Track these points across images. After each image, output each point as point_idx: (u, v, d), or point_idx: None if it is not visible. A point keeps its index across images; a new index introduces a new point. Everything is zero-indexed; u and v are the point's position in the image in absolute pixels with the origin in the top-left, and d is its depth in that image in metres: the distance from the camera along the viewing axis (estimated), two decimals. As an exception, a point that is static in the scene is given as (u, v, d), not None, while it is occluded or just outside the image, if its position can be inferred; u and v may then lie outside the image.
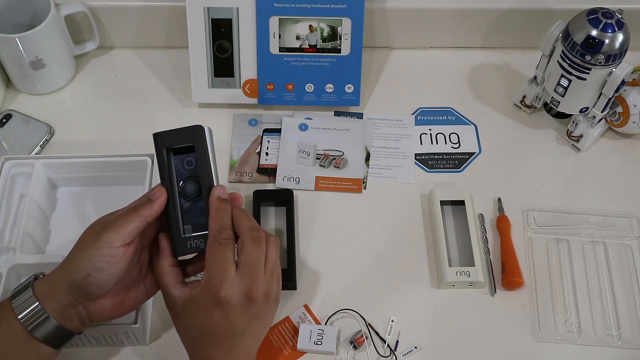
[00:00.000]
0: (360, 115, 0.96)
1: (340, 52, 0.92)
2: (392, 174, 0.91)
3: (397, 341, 0.76)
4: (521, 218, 0.86)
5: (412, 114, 0.97)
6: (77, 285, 0.60)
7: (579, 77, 0.85)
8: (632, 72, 0.85)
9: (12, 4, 0.93)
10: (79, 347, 0.74)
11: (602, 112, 0.88)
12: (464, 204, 0.85)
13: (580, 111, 0.89)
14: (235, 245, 0.63)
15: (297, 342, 0.75)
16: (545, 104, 0.96)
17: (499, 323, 0.78)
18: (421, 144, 0.94)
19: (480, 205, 0.87)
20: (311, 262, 0.83)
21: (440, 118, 0.97)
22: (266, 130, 0.94)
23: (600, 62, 0.82)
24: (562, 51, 0.85)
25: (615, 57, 0.82)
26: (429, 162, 0.92)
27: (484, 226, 0.85)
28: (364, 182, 0.90)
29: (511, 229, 0.85)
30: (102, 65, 1.01)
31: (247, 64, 0.93)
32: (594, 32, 0.81)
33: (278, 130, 0.94)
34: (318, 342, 0.75)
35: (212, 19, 0.90)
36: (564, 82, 0.87)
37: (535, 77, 0.93)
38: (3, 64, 0.94)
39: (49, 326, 0.61)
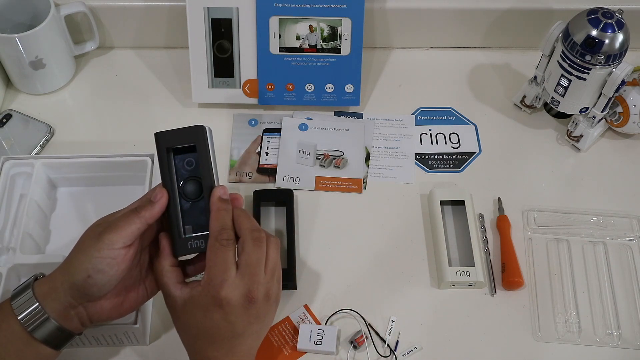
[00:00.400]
0: (360, 115, 0.97)
1: (340, 52, 0.92)
2: (392, 174, 0.91)
3: (397, 341, 0.76)
4: (521, 218, 0.86)
5: (412, 114, 0.97)
6: (77, 286, 0.60)
7: (579, 77, 0.85)
8: (632, 72, 0.85)
9: (12, 4, 0.93)
10: (79, 347, 0.74)
11: (602, 112, 0.88)
12: (464, 204, 0.85)
13: (580, 111, 0.89)
14: (236, 246, 0.63)
15: (297, 342, 0.75)
16: (545, 104, 0.96)
17: (499, 323, 0.78)
18: (421, 144, 0.94)
19: (480, 205, 0.87)
20: (311, 262, 0.83)
21: (440, 118, 0.97)
22: (266, 130, 0.94)
23: (600, 62, 0.82)
24: (562, 51, 0.85)
25: (615, 57, 0.82)
26: (429, 162, 0.92)
27: (484, 226, 0.85)
28: (364, 182, 0.90)
29: (511, 229, 0.85)
30: (102, 65, 1.01)
31: (247, 64, 0.93)
32: (594, 32, 0.81)
33: (278, 130, 0.94)
34: (318, 342, 0.75)
35: (212, 19, 0.90)
36: (564, 82, 0.87)
37: (535, 77, 0.93)
38: (3, 64, 0.94)
39: (49, 327, 0.61)
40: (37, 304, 0.61)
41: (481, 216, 0.86)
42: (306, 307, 0.79)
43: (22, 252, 0.75)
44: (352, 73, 0.93)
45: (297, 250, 0.83)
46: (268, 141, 0.93)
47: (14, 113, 0.94)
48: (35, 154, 0.90)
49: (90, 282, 0.60)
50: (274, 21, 0.90)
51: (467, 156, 0.93)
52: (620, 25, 0.81)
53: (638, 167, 0.92)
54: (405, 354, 0.76)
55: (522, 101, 0.96)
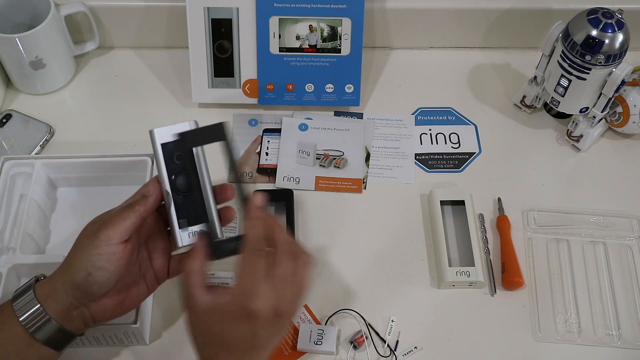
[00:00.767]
0: (360, 115, 0.96)
1: (340, 52, 0.92)
2: (392, 174, 0.91)
3: (397, 341, 0.76)
4: (521, 218, 0.86)
5: (412, 114, 0.97)
6: (78, 285, 0.60)
7: (579, 77, 0.85)
8: (632, 72, 0.85)
9: (12, 4, 0.93)
10: (79, 347, 0.74)
11: (602, 112, 0.88)
12: (464, 204, 0.85)
13: (580, 111, 0.89)
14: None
15: (297, 342, 0.75)
16: (545, 104, 0.96)
17: (499, 323, 0.78)
18: (421, 144, 0.94)
19: (480, 205, 0.87)
20: (311, 262, 0.83)
21: (440, 118, 0.97)
22: (266, 130, 0.94)
23: (600, 62, 0.82)
24: (562, 51, 0.85)
25: (615, 57, 0.82)
26: (429, 162, 0.92)
27: (484, 226, 0.85)
28: (364, 182, 0.90)
29: (511, 229, 0.85)
30: (102, 65, 1.01)
31: (247, 64, 0.93)
32: (594, 32, 0.81)
33: (278, 130, 0.94)
34: (318, 342, 0.75)
35: (212, 19, 0.90)
36: (564, 82, 0.87)
37: (535, 77, 0.93)
38: (3, 64, 0.94)
39: (50, 328, 0.61)
40: (39, 305, 0.61)
41: (481, 216, 0.86)
42: (306, 307, 0.79)
43: (22, 252, 0.75)
44: (352, 73, 0.93)
45: (297, 250, 0.83)
46: (268, 141, 0.93)
47: (14, 113, 0.94)
48: (35, 154, 0.90)
49: (91, 280, 0.60)
50: (274, 21, 0.90)
51: (467, 156, 0.93)
52: (620, 25, 0.81)
53: (638, 167, 0.92)
54: (405, 354, 0.76)
55: (522, 101, 0.96)
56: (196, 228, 0.65)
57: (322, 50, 0.92)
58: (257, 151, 0.92)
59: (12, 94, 0.97)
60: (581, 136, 0.92)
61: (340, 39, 0.91)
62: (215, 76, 0.93)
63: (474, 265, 0.80)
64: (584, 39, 0.81)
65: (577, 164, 0.92)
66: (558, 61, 0.86)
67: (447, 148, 0.93)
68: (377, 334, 0.77)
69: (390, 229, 0.85)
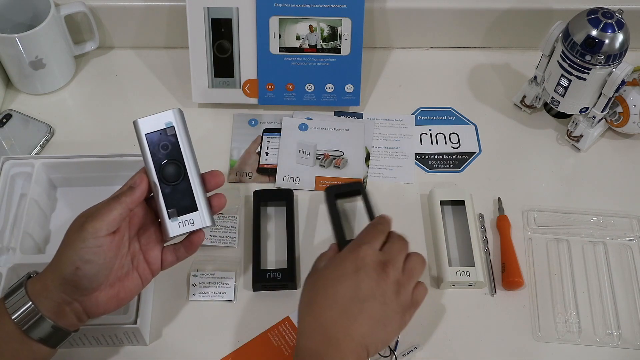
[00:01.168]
0: (360, 115, 0.97)
1: (340, 52, 0.92)
2: (392, 174, 0.91)
3: (397, 341, 0.76)
4: (521, 218, 0.86)
5: (412, 114, 0.97)
6: (67, 280, 0.60)
7: (579, 77, 0.85)
8: (632, 72, 0.85)
9: (12, 4, 0.93)
10: (79, 347, 0.74)
11: (602, 112, 0.88)
12: (464, 204, 0.85)
13: (580, 111, 0.89)
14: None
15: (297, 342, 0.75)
16: (545, 104, 0.96)
17: (499, 323, 0.78)
18: (421, 144, 0.94)
19: (480, 205, 0.87)
20: (311, 262, 0.82)
21: (440, 118, 0.97)
22: (266, 130, 0.94)
23: (600, 62, 0.82)
24: (562, 51, 0.85)
25: (615, 57, 0.82)
26: (429, 162, 0.92)
27: (484, 226, 0.85)
28: (364, 182, 0.90)
29: (511, 229, 0.85)
30: (102, 65, 1.01)
31: (247, 64, 0.93)
32: (594, 32, 0.81)
33: (278, 130, 0.94)
34: (318, 342, 0.75)
35: (212, 19, 0.90)
36: (564, 82, 0.87)
37: (535, 77, 0.93)
38: (3, 64, 0.94)
39: (43, 325, 0.60)
40: (31, 302, 0.60)
41: (481, 216, 0.86)
42: (306, 307, 0.79)
43: (22, 252, 0.75)
44: (352, 73, 0.93)
45: (297, 250, 0.83)
46: (268, 141, 0.93)
47: (14, 113, 0.94)
48: (35, 154, 0.90)
49: (80, 274, 0.60)
50: (274, 21, 0.90)
51: (467, 156, 0.93)
52: (620, 25, 0.81)
53: (638, 167, 0.92)
54: (405, 354, 0.76)
55: (522, 101, 0.96)
56: (186, 217, 0.65)
57: (322, 50, 0.92)
58: (257, 151, 0.92)
59: (12, 94, 0.97)
60: (581, 136, 0.92)
61: (340, 39, 0.91)
62: (215, 76, 0.93)
63: (474, 265, 0.80)
64: (584, 39, 0.81)
65: (577, 164, 0.92)
66: (558, 61, 0.86)
67: (447, 148, 0.93)
68: (377, 334, 0.77)
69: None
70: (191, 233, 0.67)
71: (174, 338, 0.76)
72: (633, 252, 0.84)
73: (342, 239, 0.78)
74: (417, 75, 1.02)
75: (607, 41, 0.81)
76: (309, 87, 0.94)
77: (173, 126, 0.66)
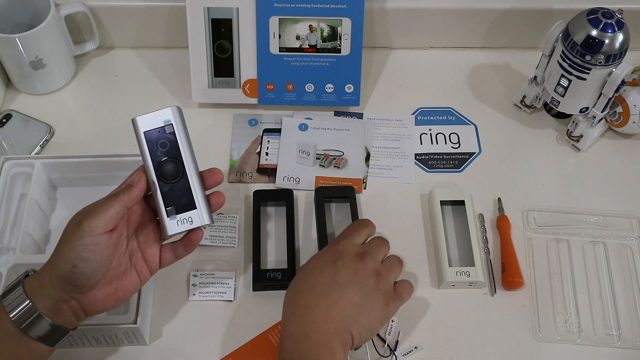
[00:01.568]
0: (360, 115, 0.97)
1: (340, 52, 0.92)
2: (392, 174, 0.91)
3: (397, 341, 0.76)
4: (521, 218, 0.86)
5: (412, 114, 0.97)
6: (64, 278, 0.60)
7: (579, 77, 0.85)
8: (632, 72, 0.85)
9: (12, 4, 0.93)
10: (79, 347, 0.74)
11: (602, 112, 0.88)
12: (464, 204, 0.85)
13: (580, 111, 0.89)
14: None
15: (297, 342, 0.75)
16: (545, 104, 0.96)
17: (499, 323, 0.78)
18: (421, 144, 0.94)
19: (480, 205, 0.87)
20: (311, 262, 0.83)
21: (440, 118, 0.97)
22: (266, 130, 0.94)
23: (600, 62, 0.82)
24: (562, 51, 0.85)
25: (615, 57, 0.82)
26: (429, 162, 0.92)
27: (484, 226, 0.85)
28: (364, 182, 0.90)
29: (511, 229, 0.85)
30: (102, 65, 1.01)
31: (247, 64, 0.93)
32: (594, 32, 0.81)
33: (278, 130, 0.94)
34: (318, 342, 0.75)
35: (212, 19, 0.90)
36: (564, 82, 0.87)
37: (535, 77, 0.93)
38: (3, 64, 0.94)
39: (41, 324, 0.60)
40: (28, 301, 0.60)
41: (481, 216, 0.86)
42: (306, 307, 0.79)
43: (22, 252, 0.75)
44: (352, 73, 0.93)
45: (297, 250, 0.83)
46: (268, 141, 0.93)
47: (14, 113, 0.94)
48: (35, 154, 0.90)
49: (77, 272, 0.60)
50: (274, 21, 0.90)
51: (467, 156, 0.93)
52: (620, 25, 0.81)
53: (638, 167, 0.92)
54: (405, 354, 0.76)
55: (522, 101, 0.96)
56: (185, 215, 0.65)
57: (322, 50, 0.92)
58: (257, 151, 0.92)
59: (12, 94, 0.97)
60: (581, 136, 0.92)
61: (340, 39, 0.91)
62: (215, 76, 0.93)
63: (474, 265, 0.80)
64: (584, 39, 0.81)
65: (577, 164, 0.92)
66: (558, 61, 0.86)
67: (447, 148, 0.93)
68: (377, 334, 0.77)
69: (390, 229, 0.85)
70: (190, 231, 0.67)
71: (174, 338, 0.76)
72: (633, 252, 0.84)
73: (324, 239, 0.81)
74: (417, 75, 1.02)
75: (607, 41, 0.81)
76: (309, 87, 0.94)
77: (172, 124, 0.66)
